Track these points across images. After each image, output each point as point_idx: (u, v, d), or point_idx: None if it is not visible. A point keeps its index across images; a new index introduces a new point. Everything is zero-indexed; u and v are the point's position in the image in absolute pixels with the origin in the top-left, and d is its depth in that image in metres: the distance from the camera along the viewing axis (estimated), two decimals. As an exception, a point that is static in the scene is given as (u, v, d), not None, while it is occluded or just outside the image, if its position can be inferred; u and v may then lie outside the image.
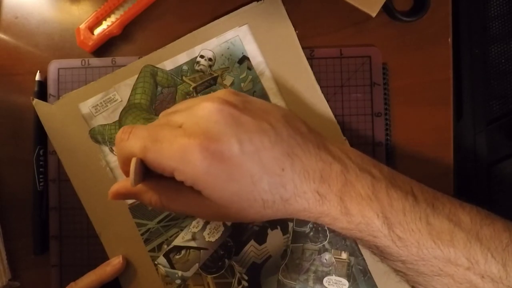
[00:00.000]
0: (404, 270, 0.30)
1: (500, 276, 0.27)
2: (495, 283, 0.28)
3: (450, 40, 0.40)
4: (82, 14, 0.43)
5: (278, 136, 0.28)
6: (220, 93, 0.30)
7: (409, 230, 0.28)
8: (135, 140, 0.28)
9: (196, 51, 0.41)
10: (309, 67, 0.40)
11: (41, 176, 0.42)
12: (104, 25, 0.42)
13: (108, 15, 0.42)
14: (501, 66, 0.40)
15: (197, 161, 0.26)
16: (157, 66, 0.41)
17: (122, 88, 0.41)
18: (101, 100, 0.41)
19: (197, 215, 0.35)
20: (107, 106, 0.41)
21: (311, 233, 0.40)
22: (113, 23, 0.41)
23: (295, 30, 0.40)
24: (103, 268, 0.40)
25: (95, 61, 0.43)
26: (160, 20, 0.43)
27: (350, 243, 0.39)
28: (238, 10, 0.41)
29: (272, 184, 0.28)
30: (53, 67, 0.43)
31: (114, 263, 0.40)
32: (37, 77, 0.43)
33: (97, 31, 0.42)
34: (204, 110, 0.28)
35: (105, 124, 0.41)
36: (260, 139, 0.27)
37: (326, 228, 0.40)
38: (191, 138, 0.26)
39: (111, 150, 0.41)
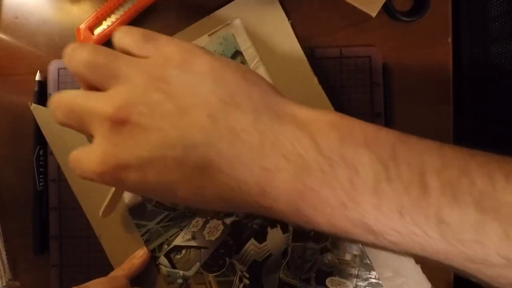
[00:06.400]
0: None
1: None
2: None
3: (450, 40, 0.40)
4: (82, 14, 0.43)
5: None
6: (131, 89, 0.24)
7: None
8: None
9: None
10: (304, 57, 0.39)
11: (41, 176, 0.42)
12: (104, 25, 0.42)
13: (108, 15, 0.42)
14: (501, 66, 0.40)
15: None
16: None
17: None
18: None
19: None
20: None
21: (312, 232, 0.40)
22: (113, 23, 0.41)
23: (289, 20, 0.40)
24: (130, 262, 0.40)
25: (95, 61, 0.43)
26: (160, 20, 0.43)
27: (354, 245, 0.39)
28: (229, 4, 0.40)
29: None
30: (53, 67, 0.43)
31: (140, 255, 0.40)
32: (37, 77, 0.43)
33: (97, 31, 0.42)
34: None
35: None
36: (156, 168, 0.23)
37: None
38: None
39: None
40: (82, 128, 0.25)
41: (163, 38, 0.26)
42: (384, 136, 0.22)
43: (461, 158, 0.22)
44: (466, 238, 0.20)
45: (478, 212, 0.20)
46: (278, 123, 0.22)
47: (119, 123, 0.23)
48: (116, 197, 0.39)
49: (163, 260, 0.41)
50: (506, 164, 0.21)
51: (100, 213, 0.38)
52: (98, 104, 0.24)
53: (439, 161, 0.21)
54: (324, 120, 0.23)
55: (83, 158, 0.25)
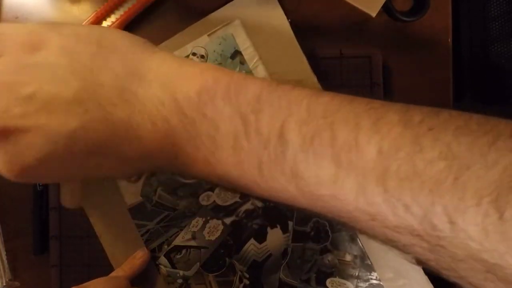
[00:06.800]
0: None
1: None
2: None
3: (450, 40, 0.40)
4: (82, 14, 0.43)
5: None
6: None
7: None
8: None
9: (188, 49, 0.41)
10: (304, 56, 0.39)
11: (41, 176, 0.42)
12: (104, 25, 0.42)
13: (108, 15, 0.42)
14: (501, 66, 0.40)
15: None
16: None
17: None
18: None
19: None
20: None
21: (312, 233, 0.40)
22: (113, 23, 0.41)
23: (288, 19, 0.40)
24: (131, 262, 0.40)
25: (95, 61, 0.43)
26: (160, 20, 0.43)
27: (355, 245, 0.39)
28: (228, 4, 0.40)
29: None
30: (53, 67, 0.43)
31: (140, 255, 0.40)
32: (37, 77, 0.43)
33: (97, 31, 0.42)
34: None
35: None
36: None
37: (328, 228, 0.40)
38: None
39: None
40: None
41: (9, 30, 0.24)
42: (249, 86, 0.21)
43: (333, 108, 0.20)
44: (323, 193, 0.19)
45: (335, 167, 0.19)
46: (144, 88, 0.22)
47: (4, 133, 0.22)
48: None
49: (163, 260, 0.41)
50: (380, 111, 0.20)
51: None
52: None
53: (306, 112, 0.20)
54: (187, 75, 0.22)
55: (0, 169, 0.24)
